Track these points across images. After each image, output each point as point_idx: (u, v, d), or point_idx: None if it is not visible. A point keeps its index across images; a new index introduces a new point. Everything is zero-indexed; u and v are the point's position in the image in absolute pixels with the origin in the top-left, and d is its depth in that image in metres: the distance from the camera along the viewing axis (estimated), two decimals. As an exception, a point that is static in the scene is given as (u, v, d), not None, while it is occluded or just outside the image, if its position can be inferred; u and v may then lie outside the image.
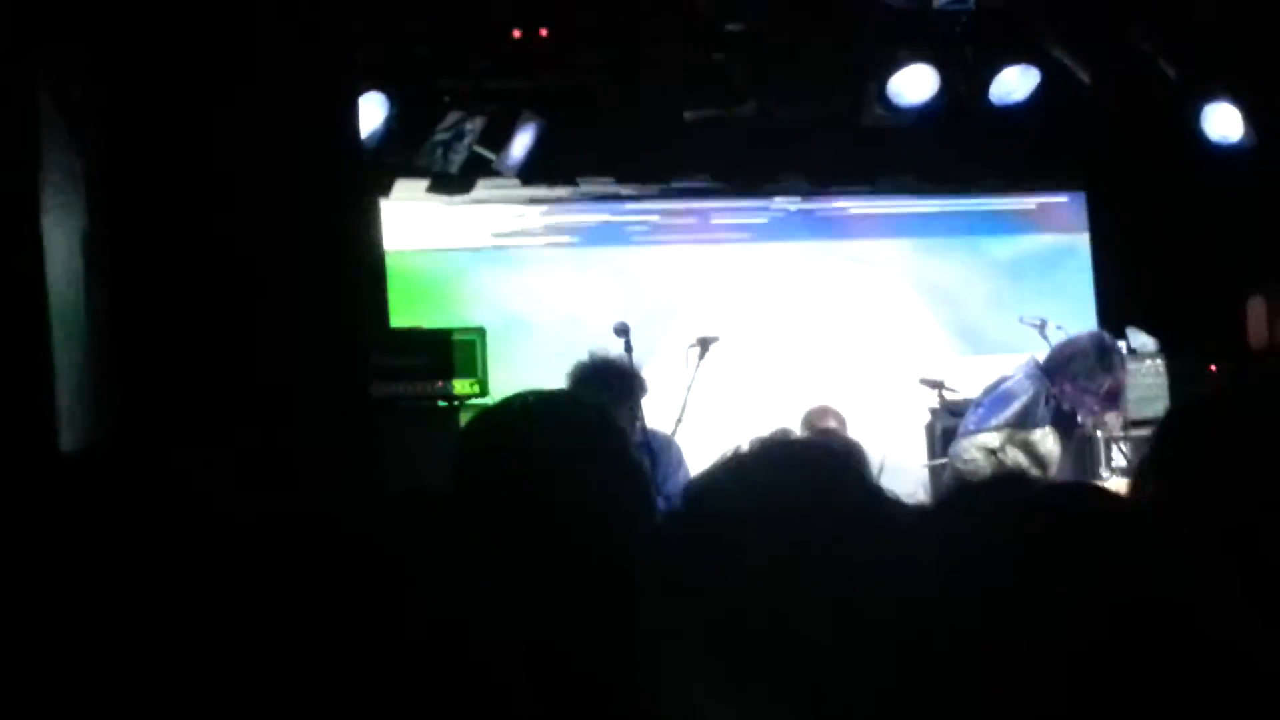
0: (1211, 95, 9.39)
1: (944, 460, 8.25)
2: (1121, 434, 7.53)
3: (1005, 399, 7.21)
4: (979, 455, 7.10)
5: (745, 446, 1.81)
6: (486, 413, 2.72)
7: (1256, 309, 9.48)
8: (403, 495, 3.57)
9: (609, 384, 6.85)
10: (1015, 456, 7.11)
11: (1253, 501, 2.44)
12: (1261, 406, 2.70)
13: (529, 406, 2.59)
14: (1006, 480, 2.07)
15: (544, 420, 2.55)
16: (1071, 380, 7.11)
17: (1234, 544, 2.21)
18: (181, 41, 5.07)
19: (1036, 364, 7.26)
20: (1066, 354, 7.21)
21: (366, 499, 4.63)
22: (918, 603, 1.51)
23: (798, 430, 8.73)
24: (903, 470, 8.36)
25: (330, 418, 5.24)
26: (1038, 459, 7.14)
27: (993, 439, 7.12)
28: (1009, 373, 7.43)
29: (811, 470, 1.71)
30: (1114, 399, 7.19)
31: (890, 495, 1.70)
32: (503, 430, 2.58)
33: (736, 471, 1.74)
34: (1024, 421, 7.15)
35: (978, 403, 7.50)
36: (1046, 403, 7.18)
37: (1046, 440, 7.13)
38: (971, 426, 7.31)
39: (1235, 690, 1.47)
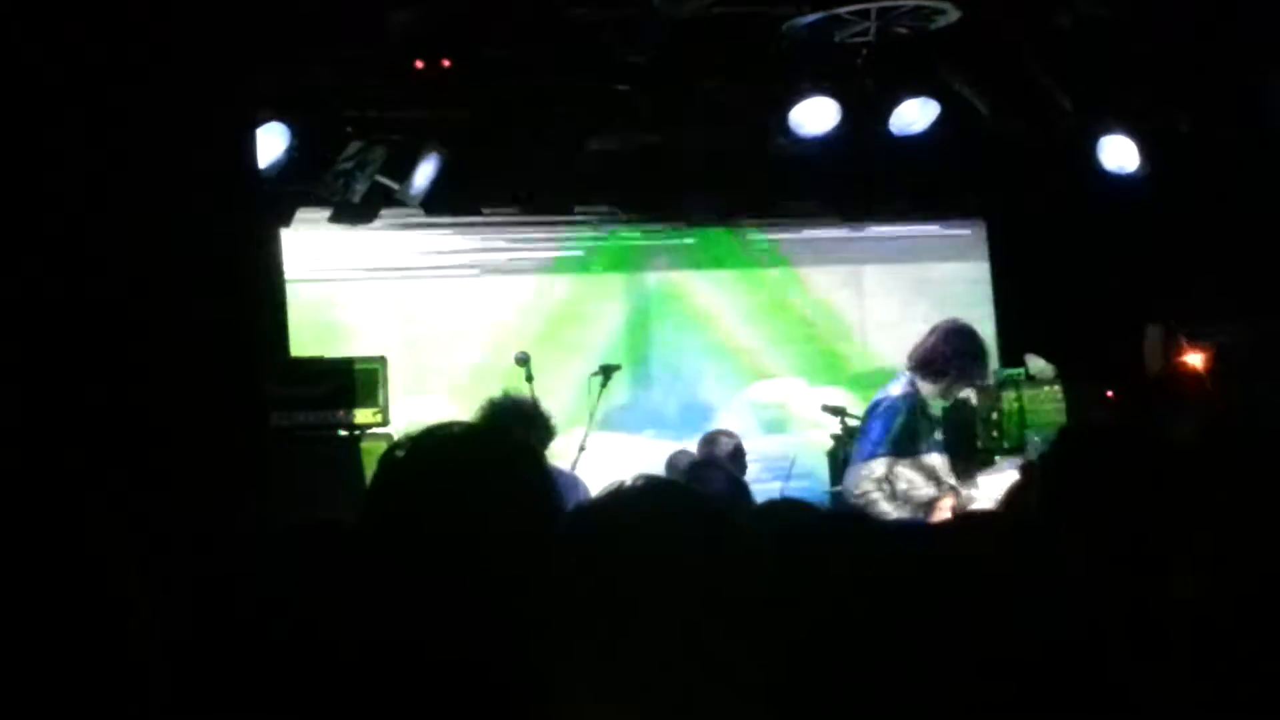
0: (1107, 127, 9.53)
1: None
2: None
3: (883, 420, 7.31)
4: (870, 487, 7.17)
5: (626, 481, 2.02)
6: (412, 443, 2.70)
7: (1153, 336, 9.62)
8: (301, 524, 3.56)
9: (522, 424, 6.82)
10: (907, 476, 7.19)
11: (1130, 524, 2.49)
12: (1143, 435, 2.75)
13: (455, 439, 2.59)
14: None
15: (472, 454, 2.55)
16: (928, 365, 7.29)
17: (1112, 565, 2.24)
18: (77, 64, 5.03)
19: (906, 375, 7.40)
20: (913, 352, 7.40)
21: (264, 529, 4.59)
22: (751, 611, 1.78)
23: (695, 452, 8.76)
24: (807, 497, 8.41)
25: (228, 447, 5.20)
26: (929, 472, 7.22)
27: (879, 466, 7.19)
28: (883, 393, 7.52)
29: (672, 508, 1.94)
30: (972, 364, 7.35)
31: (735, 527, 1.94)
32: (432, 463, 2.58)
33: (613, 507, 1.97)
34: (906, 439, 7.23)
35: (861, 429, 7.61)
36: (924, 412, 7.28)
37: (932, 455, 7.24)
38: (857, 457, 7.39)
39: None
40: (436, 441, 2.57)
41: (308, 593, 2.90)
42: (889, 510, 7.06)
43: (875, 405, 7.49)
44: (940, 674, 1.75)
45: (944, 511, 7.07)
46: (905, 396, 7.32)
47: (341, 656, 2.51)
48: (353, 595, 2.50)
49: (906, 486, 7.17)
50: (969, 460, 7.43)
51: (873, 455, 7.24)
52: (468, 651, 2.26)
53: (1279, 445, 2.52)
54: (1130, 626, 1.77)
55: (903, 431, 7.23)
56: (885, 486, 7.15)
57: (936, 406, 7.38)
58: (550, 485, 2.52)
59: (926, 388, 7.34)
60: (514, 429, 6.49)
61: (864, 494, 7.17)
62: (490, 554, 2.35)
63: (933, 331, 7.48)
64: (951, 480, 7.25)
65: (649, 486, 2.01)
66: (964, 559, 2.03)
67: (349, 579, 2.55)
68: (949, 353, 7.33)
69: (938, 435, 7.31)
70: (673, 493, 2.04)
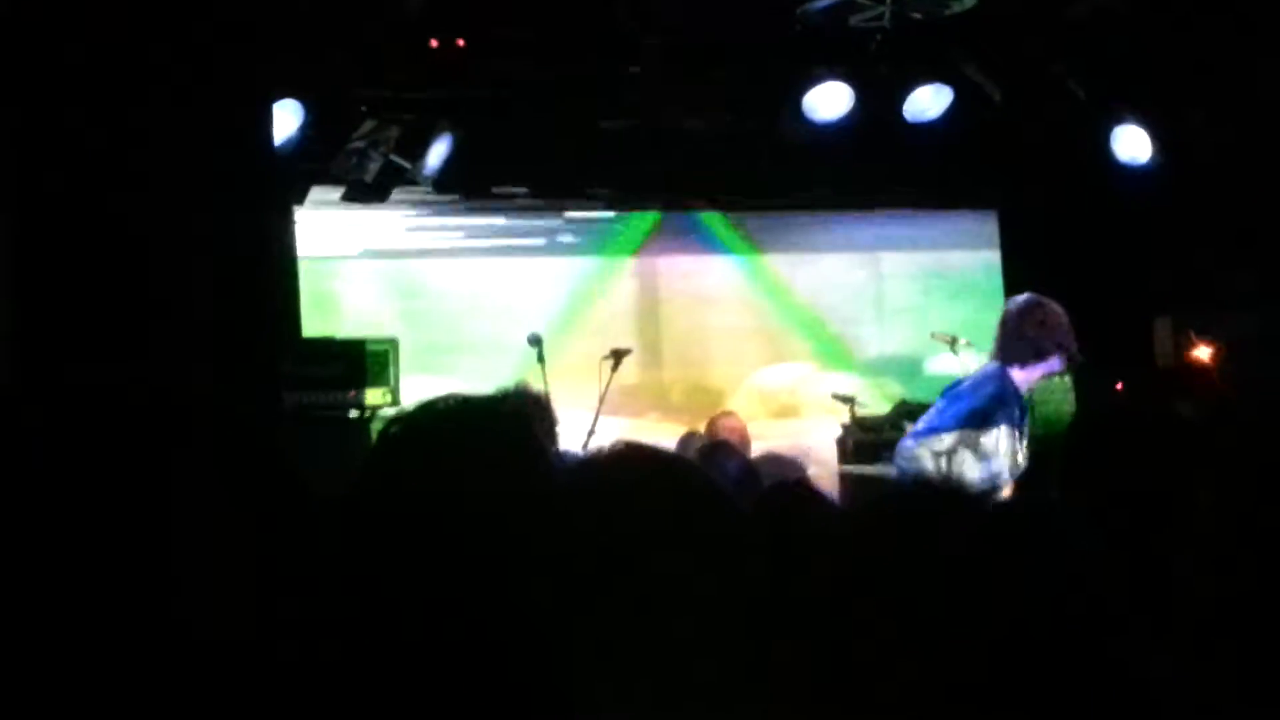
0: (1120, 117, 9.53)
1: (855, 468, 8.29)
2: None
3: (958, 401, 7.10)
4: (924, 454, 6.98)
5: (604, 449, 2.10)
6: (408, 415, 2.72)
7: (1163, 329, 9.62)
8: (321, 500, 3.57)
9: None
10: (965, 458, 6.98)
11: (1147, 507, 2.50)
12: (1157, 420, 2.76)
13: (450, 410, 2.60)
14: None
15: (465, 424, 2.56)
16: (1013, 347, 7.04)
17: (1131, 547, 2.25)
18: (95, 43, 5.03)
19: (995, 362, 7.15)
20: (998, 334, 7.16)
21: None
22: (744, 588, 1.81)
23: (705, 435, 8.75)
24: (817, 481, 8.41)
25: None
26: (987, 460, 7.00)
27: (943, 441, 6.99)
28: (968, 374, 7.37)
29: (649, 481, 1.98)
30: (1061, 345, 7.07)
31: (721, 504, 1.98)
32: (424, 432, 2.59)
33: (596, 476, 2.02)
34: (976, 423, 7.02)
35: (935, 406, 7.40)
36: (1005, 403, 7.04)
37: (1000, 439, 6.97)
38: (921, 427, 7.19)
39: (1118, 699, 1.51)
40: (430, 416, 2.59)
41: (311, 572, 2.91)
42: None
43: (955, 384, 7.32)
44: (943, 655, 1.75)
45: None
46: (988, 378, 7.11)
47: (344, 636, 2.53)
48: (349, 573, 2.52)
49: (962, 469, 6.96)
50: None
51: (940, 428, 7.05)
52: (464, 628, 2.28)
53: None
54: (1148, 614, 1.78)
55: (975, 414, 7.02)
56: (939, 461, 6.95)
57: (1025, 397, 7.16)
58: (540, 450, 2.53)
59: (1016, 373, 7.09)
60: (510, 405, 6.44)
61: (914, 460, 6.99)
62: (484, 527, 2.37)
63: (1004, 315, 7.23)
64: (1008, 472, 6.97)
65: (637, 458, 2.04)
66: (973, 542, 2.03)
67: (345, 557, 2.57)
68: (1021, 332, 7.07)
69: (1013, 424, 7.06)
70: (664, 464, 2.07)
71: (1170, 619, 1.98)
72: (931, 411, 7.30)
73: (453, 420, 2.54)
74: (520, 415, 2.61)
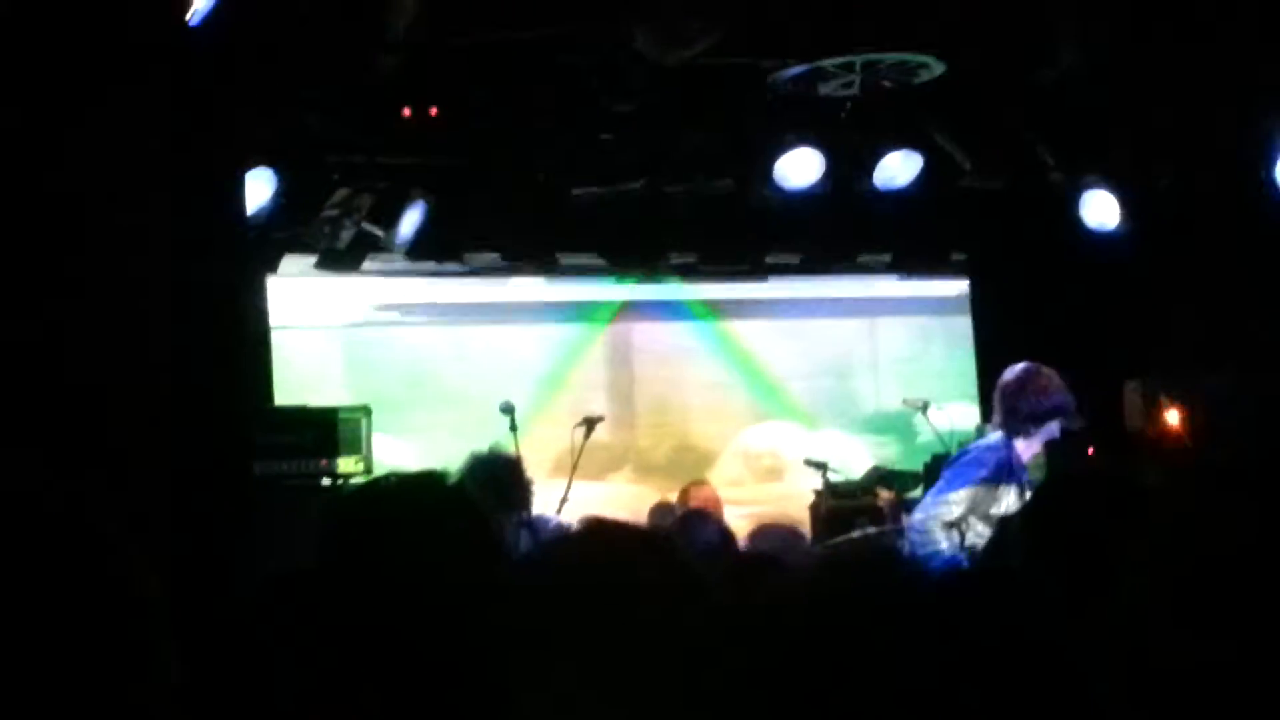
0: (1089, 183, 9.60)
1: (836, 539, 8.28)
2: None
3: (965, 471, 7.10)
4: (935, 528, 6.96)
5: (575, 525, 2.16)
6: (350, 492, 2.78)
7: (1133, 393, 9.65)
8: (282, 573, 3.57)
9: (499, 484, 6.75)
10: (977, 527, 6.97)
11: (1110, 572, 2.51)
12: (1116, 485, 2.79)
13: (390, 491, 2.64)
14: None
15: (403, 504, 2.61)
16: (1013, 418, 7.05)
17: (1095, 609, 2.27)
18: (66, 108, 5.05)
19: (999, 434, 7.14)
20: (998, 406, 7.18)
21: (246, 577, 4.60)
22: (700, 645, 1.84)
23: (676, 505, 8.77)
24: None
25: (210, 495, 5.20)
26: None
27: (953, 510, 6.98)
28: (972, 445, 7.39)
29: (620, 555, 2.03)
30: (1060, 411, 7.07)
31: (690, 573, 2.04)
32: (363, 512, 2.64)
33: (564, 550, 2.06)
34: (986, 489, 7.01)
35: (939, 477, 7.38)
36: (1010, 470, 7.04)
37: (1010, 507, 6.93)
38: (930, 499, 7.19)
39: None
40: (369, 496, 2.64)
41: (284, 640, 2.93)
42: (947, 555, 6.88)
43: (959, 456, 7.33)
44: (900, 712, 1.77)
45: None
46: (991, 448, 7.13)
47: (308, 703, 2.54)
48: (310, 643, 2.56)
49: (976, 540, 6.95)
50: None
51: (948, 499, 7.03)
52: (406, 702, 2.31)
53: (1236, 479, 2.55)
54: (1117, 685, 1.79)
55: (983, 481, 7.01)
56: (950, 532, 6.95)
57: (1031, 468, 7.17)
58: (481, 530, 2.57)
59: (1019, 444, 7.11)
60: (478, 483, 6.39)
61: (926, 533, 6.99)
62: (427, 601, 2.40)
63: (997, 387, 7.20)
64: None
65: (591, 527, 2.09)
66: (936, 608, 2.06)
67: (306, 627, 2.61)
68: (1019, 403, 7.08)
69: (1021, 488, 7.05)
70: (619, 533, 2.10)
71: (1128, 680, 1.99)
72: (938, 484, 7.30)
73: (394, 500, 2.59)
74: (460, 492, 2.65)
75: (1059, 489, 3.04)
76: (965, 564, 6.71)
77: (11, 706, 1.67)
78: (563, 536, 2.08)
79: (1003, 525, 5.94)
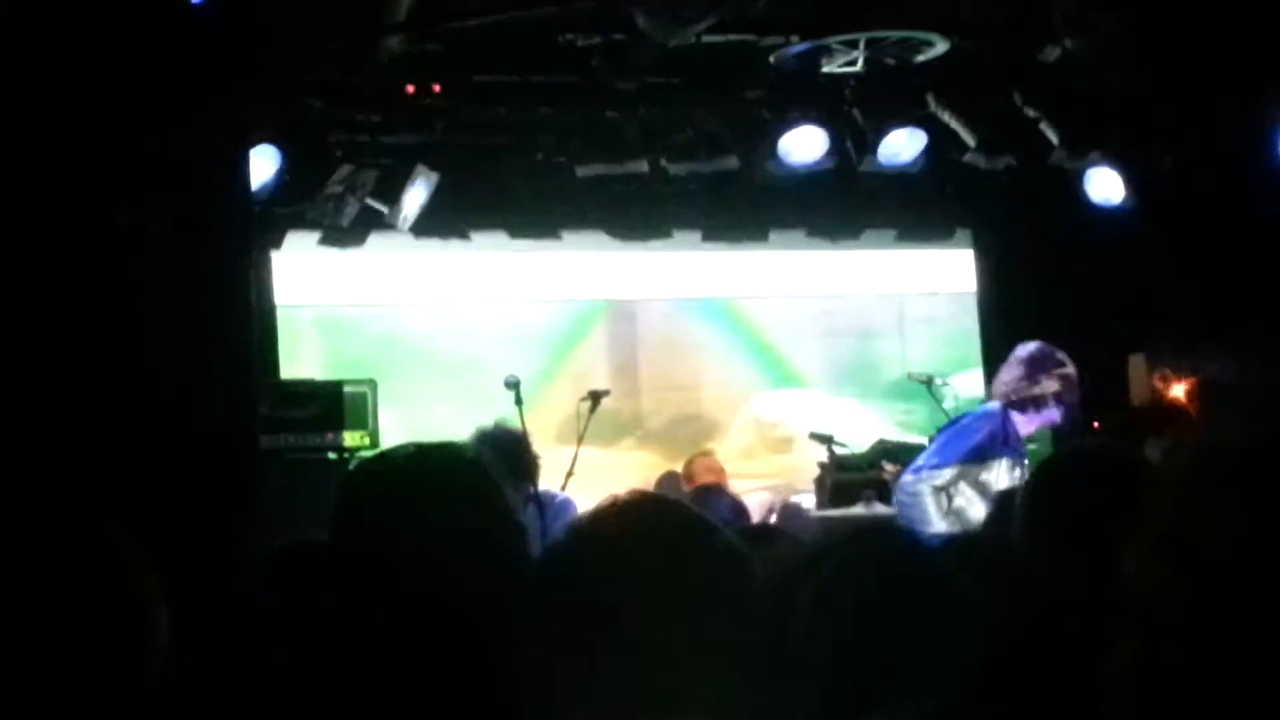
0: (1093, 160, 9.60)
1: (836, 512, 8.31)
2: None
3: (958, 437, 7.14)
4: (925, 490, 7.01)
5: (620, 495, 2.09)
6: (369, 463, 2.76)
7: (1137, 366, 9.67)
8: (289, 546, 3.59)
9: (505, 458, 6.76)
10: (966, 493, 7.02)
11: (1109, 547, 2.52)
12: (1118, 460, 2.80)
13: (409, 459, 2.62)
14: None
15: (424, 473, 2.58)
16: (1016, 393, 7.08)
17: (1094, 584, 2.29)
18: (71, 88, 5.06)
19: (997, 402, 7.19)
20: (1002, 376, 7.22)
21: (253, 551, 4.62)
22: (743, 623, 1.85)
23: (681, 477, 8.81)
24: (799, 519, 8.46)
25: (218, 468, 5.22)
26: (988, 494, 7.01)
27: (943, 476, 7.03)
28: (968, 413, 7.44)
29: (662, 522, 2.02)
30: (1062, 400, 7.09)
31: (725, 539, 2.02)
32: (384, 482, 2.61)
33: (607, 519, 2.03)
34: (976, 458, 7.05)
35: (933, 442, 7.44)
36: (1004, 440, 7.09)
37: (1000, 476, 7.01)
38: (921, 464, 7.23)
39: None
40: (387, 466, 2.62)
41: (291, 616, 2.94)
42: (936, 522, 6.93)
43: (953, 423, 7.38)
44: (914, 684, 1.79)
45: None
46: (984, 417, 7.17)
47: (320, 680, 2.55)
48: (323, 620, 2.56)
49: (964, 504, 6.99)
50: None
51: (940, 464, 7.09)
52: (435, 683, 2.31)
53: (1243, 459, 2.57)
54: (1105, 651, 1.81)
55: (974, 450, 7.06)
56: (939, 496, 6.99)
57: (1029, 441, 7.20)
58: (500, 500, 2.56)
59: (1018, 417, 7.14)
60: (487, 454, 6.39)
61: (915, 495, 7.03)
62: (446, 573, 2.39)
63: (1005, 363, 7.26)
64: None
65: (632, 501, 2.06)
66: (942, 578, 2.08)
67: (319, 604, 2.61)
68: (1024, 380, 7.12)
69: (1013, 459, 7.09)
70: (658, 508, 2.09)
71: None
72: (930, 448, 7.35)
73: (411, 468, 2.57)
74: (477, 461, 2.63)
75: (1062, 464, 3.06)
76: (951, 530, 6.75)
77: (12, 705, 1.69)
78: (610, 505, 2.06)
79: (1003, 499, 5.98)
